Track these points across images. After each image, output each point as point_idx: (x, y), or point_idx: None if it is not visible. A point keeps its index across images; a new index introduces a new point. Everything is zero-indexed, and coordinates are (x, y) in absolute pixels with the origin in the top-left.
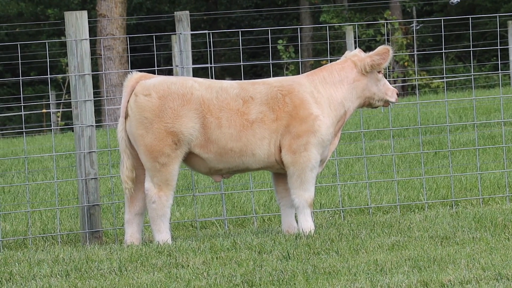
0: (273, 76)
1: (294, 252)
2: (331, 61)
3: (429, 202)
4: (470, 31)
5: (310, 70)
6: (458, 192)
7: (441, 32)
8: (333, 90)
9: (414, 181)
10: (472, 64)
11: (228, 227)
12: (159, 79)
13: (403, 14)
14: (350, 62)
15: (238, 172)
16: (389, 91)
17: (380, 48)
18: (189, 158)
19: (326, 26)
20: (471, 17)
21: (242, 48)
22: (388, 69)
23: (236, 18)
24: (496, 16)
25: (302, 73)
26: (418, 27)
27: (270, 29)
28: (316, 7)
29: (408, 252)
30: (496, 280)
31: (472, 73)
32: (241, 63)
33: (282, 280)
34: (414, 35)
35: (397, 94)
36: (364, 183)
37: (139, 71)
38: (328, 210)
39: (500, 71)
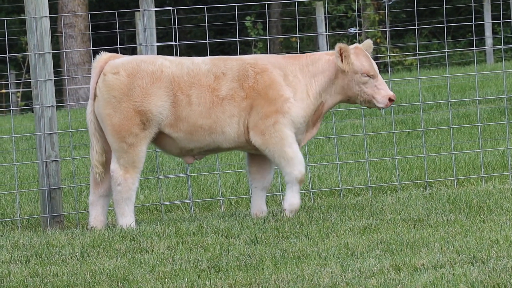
0: (240, 54)
1: (263, 236)
2: (299, 38)
3: (401, 183)
4: (444, 6)
5: (279, 47)
6: (432, 173)
7: (414, 8)
8: (313, 79)
9: (386, 162)
10: (446, 41)
11: (194, 210)
12: (129, 57)
13: None
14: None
15: (210, 152)
16: (379, 95)
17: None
18: (160, 139)
19: (295, 2)
20: None
21: (208, 25)
22: None
23: None
24: None
25: (270, 50)
26: (390, 3)
27: (237, 5)
28: None
29: (380, 236)
30: (471, 263)
31: (446, 50)
32: (207, 41)
33: (250, 265)
34: (386, 10)
35: (390, 99)
36: (334, 164)
37: (103, 49)
38: None
39: (475, 48)
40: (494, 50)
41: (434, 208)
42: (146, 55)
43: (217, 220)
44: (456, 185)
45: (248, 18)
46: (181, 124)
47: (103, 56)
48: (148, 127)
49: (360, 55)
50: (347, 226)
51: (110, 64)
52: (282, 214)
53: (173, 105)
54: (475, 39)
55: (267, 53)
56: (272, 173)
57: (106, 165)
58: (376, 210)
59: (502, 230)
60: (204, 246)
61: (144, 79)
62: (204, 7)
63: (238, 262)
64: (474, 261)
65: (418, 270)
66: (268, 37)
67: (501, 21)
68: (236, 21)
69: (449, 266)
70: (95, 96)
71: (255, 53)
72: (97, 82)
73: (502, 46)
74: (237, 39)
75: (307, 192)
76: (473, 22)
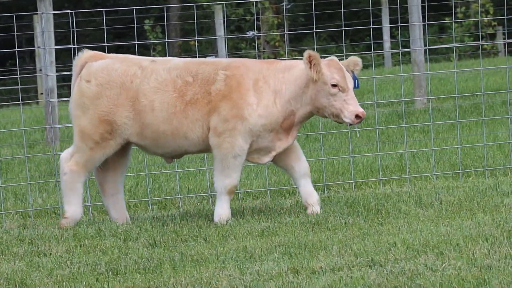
0: None
1: (161, 239)
2: (198, 41)
3: None
4: (342, 10)
5: (178, 51)
6: (330, 176)
7: (313, 11)
8: (284, 86)
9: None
10: (344, 44)
11: (92, 213)
12: (104, 63)
13: None
14: None
15: (181, 155)
16: (347, 110)
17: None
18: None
19: (194, 5)
20: None
21: (107, 28)
22: (258, 49)
23: None
24: None
25: (168, 53)
26: (289, 6)
27: (136, 9)
28: None
29: (279, 239)
30: (369, 266)
31: (344, 54)
32: (105, 44)
33: (148, 268)
34: (285, 14)
35: (357, 116)
36: None
37: (85, 47)
38: (196, 196)
39: (373, 51)
40: (392, 54)
41: (332, 211)
42: (124, 59)
43: (116, 224)
44: (354, 188)
45: (147, 21)
46: (145, 131)
47: (84, 54)
48: (112, 137)
49: (333, 66)
50: (245, 229)
51: (87, 67)
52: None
53: (137, 113)
54: (373, 43)
55: (165, 56)
56: (304, 157)
57: (104, 166)
58: (274, 213)
59: (399, 233)
60: (103, 249)
61: (113, 89)
62: (103, 10)
63: (136, 266)
64: (372, 264)
65: (316, 273)
66: (166, 40)
67: (399, 24)
68: (134, 24)
69: (347, 269)
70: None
71: (153, 55)
72: (76, 80)
73: (400, 50)
74: (136, 42)
75: (205, 195)
76: (371, 26)
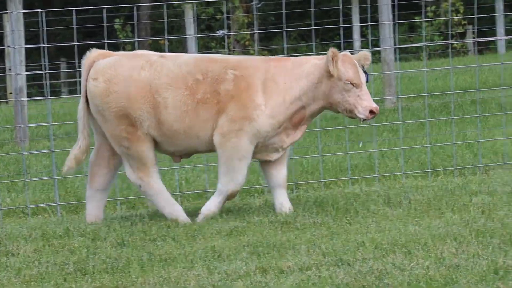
0: None
1: (129, 239)
2: (169, 40)
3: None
4: (312, 9)
5: (149, 50)
6: (299, 176)
7: (283, 10)
8: (295, 82)
9: (253, 164)
10: (314, 43)
11: (61, 213)
12: (112, 60)
13: None
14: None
15: (191, 154)
16: (361, 106)
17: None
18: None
19: (164, 4)
20: None
21: (77, 27)
22: (229, 48)
23: None
24: None
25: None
26: (259, 5)
27: (106, 8)
28: None
29: (247, 238)
30: (337, 266)
31: (315, 53)
32: (75, 43)
33: (117, 268)
34: (255, 13)
35: (371, 112)
36: (202, 167)
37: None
38: None
39: (343, 51)
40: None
41: (301, 211)
42: (132, 55)
43: (84, 223)
44: (323, 187)
45: (117, 20)
46: (162, 128)
47: (92, 53)
48: (137, 128)
49: (347, 62)
50: (214, 229)
51: (94, 67)
52: (197, 216)
53: (152, 107)
54: (343, 42)
55: None
56: (286, 168)
57: (97, 156)
58: (243, 212)
59: (368, 233)
60: (71, 249)
61: (120, 84)
62: (73, 9)
63: (104, 265)
64: (340, 263)
65: (285, 272)
66: (137, 39)
67: (369, 23)
68: (104, 23)
69: (315, 268)
70: (86, 94)
71: None
72: (86, 80)
73: (370, 49)
74: (106, 41)
75: (175, 194)
76: (341, 25)
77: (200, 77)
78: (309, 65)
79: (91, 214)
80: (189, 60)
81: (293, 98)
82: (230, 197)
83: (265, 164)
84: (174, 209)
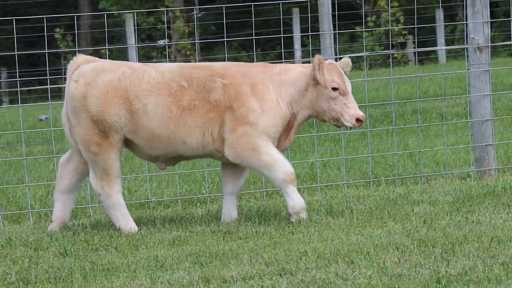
0: (49, 66)
1: (72, 249)
2: (109, 50)
3: (211, 195)
4: (253, 19)
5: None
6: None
7: (224, 20)
8: (282, 88)
9: (196, 174)
10: (255, 53)
11: (2, 223)
12: (95, 65)
13: (185, 1)
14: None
15: (177, 159)
16: (347, 114)
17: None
18: (129, 144)
19: (105, 13)
20: (254, 4)
21: (17, 36)
22: (169, 58)
23: (12, 5)
24: (280, 3)
25: None
26: (200, 15)
27: (46, 17)
28: None
29: (190, 248)
30: (280, 275)
31: (255, 63)
32: (15, 53)
33: (59, 278)
34: (196, 23)
35: (358, 120)
36: (144, 177)
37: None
38: None
39: (283, 60)
40: (303, 62)
41: (243, 220)
42: (113, 62)
43: (26, 233)
44: (266, 197)
45: (57, 30)
46: (140, 132)
47: (79, 58)
48: (109, 135)
49: (333, 70)
50: (156, 238)
51: (78, 70)
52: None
53: (130, 113)
54: (284, 52)
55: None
56: (244, 179)
57: (70, 162)
58: (186, 222)
59: (310, 242)
60: (13, 259)
61: (100, 88)
62: (13, 18)
63: (47, 275)
64: (283, 272)
65: (227, 282)
66: (77, 49)
67: (310, 33)
68: (45, 33)
69: (258, 278)
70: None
71: (64, 64)
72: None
73: (311, 58)
74: (46, 51)
75: None
76: (282, 35)
77: (185, 83)
78: (295, 72)
79: (57, 216)
80: (172, 67)
81: (285, 102)
82: (290, 182)
83: (226, 168)
84: (128, 226)
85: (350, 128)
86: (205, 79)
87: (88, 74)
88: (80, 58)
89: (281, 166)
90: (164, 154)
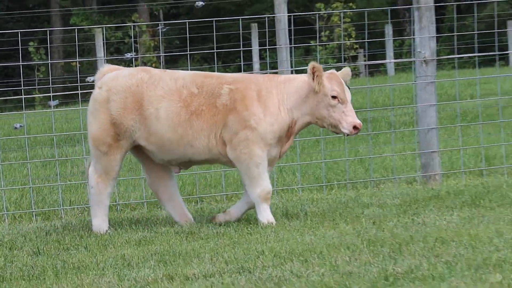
0: (23, 77)
1: (44, 248)
2: (80, 62)
3: None
4: (214, 34)
5: (60, 71)
6: (203, 189)
7: (187, 34)
8: (286, 95)
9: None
10: (216, 65)
11: None
12: (117, 72)
13: (151, 17)
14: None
15: (189, 164)
16: (345, 121)
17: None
18: (144, 149)
19: (75, 28)
20: (216, 20)
21: None
22: None
23: None
24: (239, 18)
25: (52, 74)
26: (164, 30)
27: (21, 31)
28: (67, 10)
29: (155, 247)
30: (239, 273)
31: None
32: None
33: (33, 275)
34: (161, 37)
35: (355, 127)
36: None
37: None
38: (77, 207)
39: (243, 72)
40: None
41: (205, 222)
42: (134, 69)
43: (2, 233)
44: (226, 200)
45: (31, 43)
46: (152, 138)
47: (105, 68)
48: (122, 138)
49: (333, 79)
50: (124, 239)
51: (102, 79)
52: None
53: (144, 118)
54: (244, 64)
55: (49, 77)
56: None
57: (153, 178)
58: (151, 223)
59: (267, 242)
60: None
61: (120, 94)
62: None
63: (21, 273)
64: (241, 270)
65: (190, 279)
66: (50, 61)
67: (267, 47)
68: (19, 46)
69: (218, 276)
70: None
71: (38, 76)
72: None
73: (268, 70)
74: (21, 63)
75: (86, 207)
76: (242, 48)
77: (195, 90)
78: (298, 80)
79: (179, 219)
80: (186, 75)
81: (286, 109)
82: (265, 200)
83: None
84: (101, 226)
85: (348, 135)
86: (215, 87)
87: (110, 81)
88: (105, 68)
89: (262, 182)
90: (175, 159)
